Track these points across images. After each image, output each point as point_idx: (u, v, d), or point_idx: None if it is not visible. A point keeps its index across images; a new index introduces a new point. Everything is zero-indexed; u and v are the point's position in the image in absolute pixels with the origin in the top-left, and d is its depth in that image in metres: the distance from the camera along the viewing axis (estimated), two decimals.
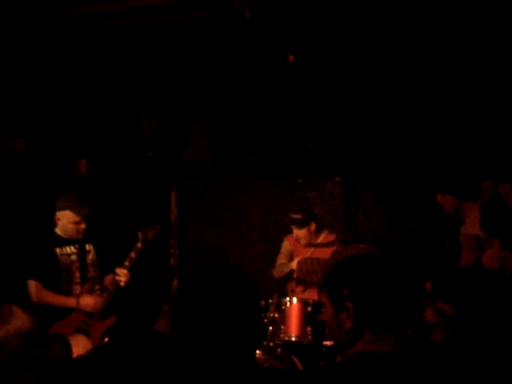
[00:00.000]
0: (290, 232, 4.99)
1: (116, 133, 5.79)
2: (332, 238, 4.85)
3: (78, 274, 4.13)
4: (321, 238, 4.87)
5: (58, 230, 4.16)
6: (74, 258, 4.13)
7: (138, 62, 5.37)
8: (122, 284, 4.08)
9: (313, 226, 4.84)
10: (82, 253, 4.18)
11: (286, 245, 5.07)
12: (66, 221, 4.11)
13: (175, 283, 5.74)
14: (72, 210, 4.09)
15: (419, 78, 5.24)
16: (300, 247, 4.90)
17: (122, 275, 4.09)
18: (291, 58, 5.02)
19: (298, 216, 4.82)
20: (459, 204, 4.18)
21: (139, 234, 4.26)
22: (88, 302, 4.02)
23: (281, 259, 5.04)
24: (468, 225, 4.11)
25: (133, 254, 4.17)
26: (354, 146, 5.65)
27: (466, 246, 4.04)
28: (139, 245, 4.21)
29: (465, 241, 4.08)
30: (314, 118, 5.68)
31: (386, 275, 1.72)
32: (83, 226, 4.13)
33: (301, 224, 4.80)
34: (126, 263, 4.14)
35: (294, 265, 4.71)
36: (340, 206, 5.88)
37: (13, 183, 4.93)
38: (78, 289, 4.09)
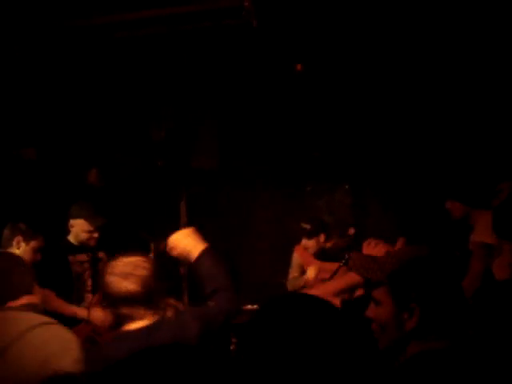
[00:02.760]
0: (300, 241, 4.98)
1: (125, 142, 5.82)
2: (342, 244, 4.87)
3: (89, 283, 4.15)
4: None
5: (70, 238, 4.19)
6: (86, 265, 4.16)
7: (147, 72, 5.39)
8: None
9: (322, 237, 4.82)
10: (94, 261, 4.20)
11: (296, 257, 5.06)
12: (79, 229, 4.14)
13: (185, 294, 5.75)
14: (86, 219, 4.14)
15: (428, 84, 5.23)
16: (309, 257, 4.89)
17: None
18: (299, 67, 5.03)
19: (307, 226, 4.81)
20: (468, 211, 4.14)
21: (151, 244, 4.27)
22: (98, 315, 3.99)
23: (293, 272, 5.02)
24: (478, 232, 4.08)
25: None
26: (363, 153, 5.65)
27: (476, 254, 4.01)
28: (151, 255, 4.20)
29: (474, 248, 4.05)
30: (322, 126, 5.69)
31: (451, 280, 1.79)
32: (96, 235, 4.16)
33: (310, 234, 4.79)
34: None
35: (309, 276, 4.66)
36: (349, 214, 5.88)
37: (23, 192, 4.96)
38: (89, 297, 4.11)
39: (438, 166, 5.19)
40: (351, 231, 4.86)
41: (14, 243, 3.80)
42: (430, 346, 1.67)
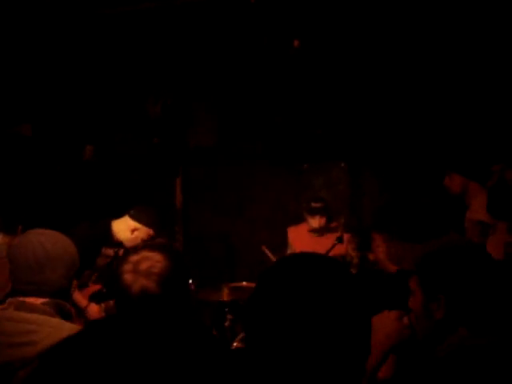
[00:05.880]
0: (298, 219, 5.03)
1: (122, 119, 5.80)
2: (336, 224, 4.95)
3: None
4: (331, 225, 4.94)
5: (114, 227, 3.98)
6: (108, 260, 3.98)
7: (144, 48, 5.36)
8: None
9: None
10: (115, 258, 3.99)
11: (290, 237, 5.11)
12: (141, 235, 3.96)
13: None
14: (151, 227, 3.99)
15: (426, 60, 5.20)
16: (301, 237, 4.93)
17: None
18: (296, 43, 5.00)
19: (318, 205, 4.86)
20: (466, 184, 4.13)
21: None
22: (94, 311, 3.86)
23: (289, 251, 5.06)
24: (473, 209, 4.09)
25: None
26: (360, 131, 5.63)
27: (471, 232, 4.02)
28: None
29: (469, 226, 4.06)
30: (320, 104, 5.66)
31: (484, 269, 1.67)
32: (149, 240, 3.97)
33: (323, 212, 4.85)
34: None
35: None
36: (346, 192, 5.88)
37: (19, 169, 4.96)
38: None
39: (436, 142, 5.18)
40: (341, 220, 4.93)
41: None
42: (471, 342, 1.62)
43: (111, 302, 3.82)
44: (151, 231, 4.01)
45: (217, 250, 5.99)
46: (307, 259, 1.21)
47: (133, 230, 3.99)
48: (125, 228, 4.00)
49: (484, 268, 1.68)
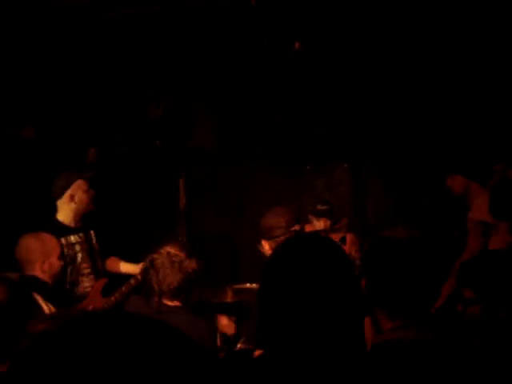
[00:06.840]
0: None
1: (124, 121, 5.80)
2: (339, 225, 4.94)
3: (84, 265, 3.92)
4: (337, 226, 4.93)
5: (61, 216, 3.92)
6: (77, 247, 3.91)
7: (145, 51, 5.37)
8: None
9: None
10: (88, 241, 3.98)
11: None
12: (80, 192, 3.91)
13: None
14: (81, 178, 3.93)
15: (427, 61, 5.20)
16: None
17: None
18: (297, 45, 5.00)
19: (324, 207, 4.85)
20: (468, 184, 4.14)
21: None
22: (98, 306, 3.79)
23: None
24: (475, 210, 4.09)
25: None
26: (362, 132, 5.63)
27: (473, 232, 4.03)
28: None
29: (471, 226, 4.06)
30: (321, 105, 5.66)
31: (402, 258, 1.71)
32: (92, 193, 3.97)
33: (329, 214, 4.84)
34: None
35: None
36: (349, 193, 5.88)
37: (20, 172, 4.96)
38: (84, 281, 3.90)
39: (438, 143, 5.19)
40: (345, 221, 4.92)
41: None
42: (394, 336, 1.62)
43: (123, 289, 3.87)
44: (81, 182, 3.94)
45: (218, 249, 5.99)
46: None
47: (71, 199, 3.92)
48: (66, 207, 3.93)
49: (401, 256, 1.71)
